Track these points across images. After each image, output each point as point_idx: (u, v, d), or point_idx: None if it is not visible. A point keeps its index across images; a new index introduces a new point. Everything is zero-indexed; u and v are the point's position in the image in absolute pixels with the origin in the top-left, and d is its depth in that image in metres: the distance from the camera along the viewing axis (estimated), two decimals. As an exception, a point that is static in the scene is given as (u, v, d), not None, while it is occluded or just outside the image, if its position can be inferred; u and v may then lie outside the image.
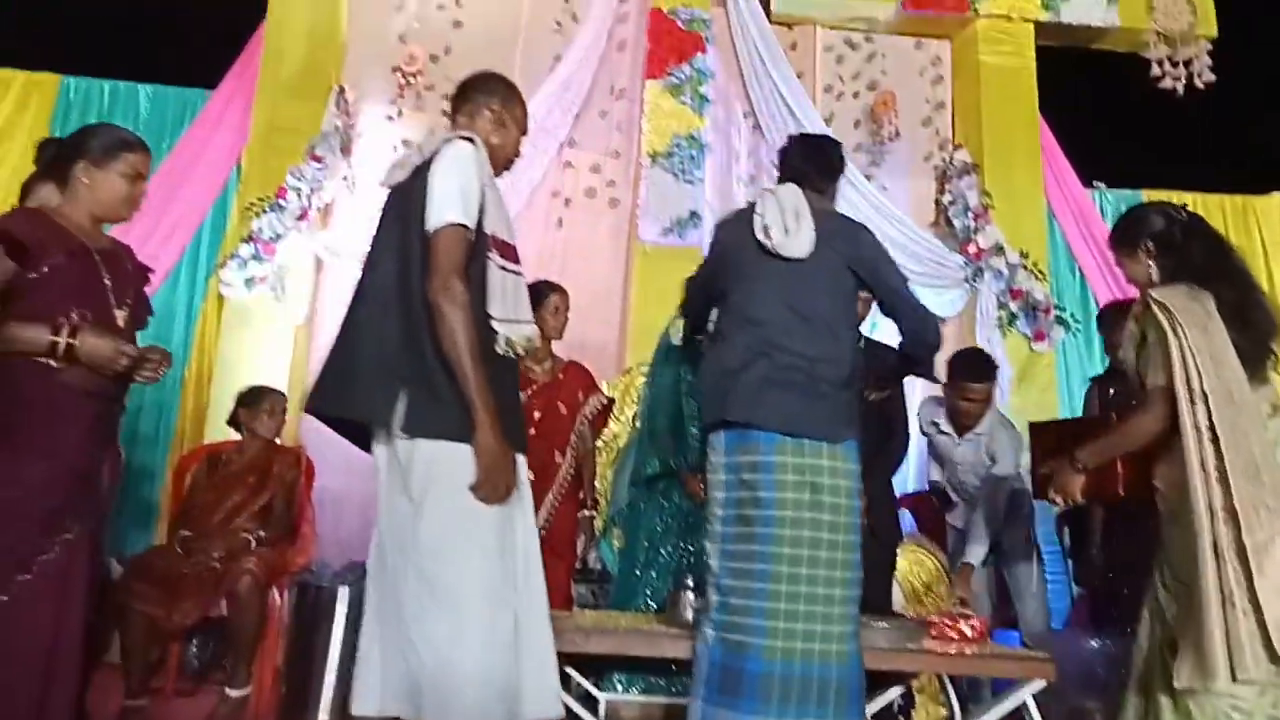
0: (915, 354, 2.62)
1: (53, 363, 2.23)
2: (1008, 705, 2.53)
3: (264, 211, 4.69)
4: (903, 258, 5.07)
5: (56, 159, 2.45)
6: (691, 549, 3.12)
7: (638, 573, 3.19)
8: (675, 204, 5.10)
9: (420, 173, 2.05)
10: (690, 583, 2.66)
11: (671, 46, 5.37)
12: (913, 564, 3.25)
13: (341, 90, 5.08)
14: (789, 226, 2.38)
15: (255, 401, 3.71)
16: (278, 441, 3.76)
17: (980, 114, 5.41)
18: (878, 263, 2.48)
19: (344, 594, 3.28)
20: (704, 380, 2.48)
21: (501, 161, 2.23)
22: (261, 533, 3.43)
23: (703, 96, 5.34)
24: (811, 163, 2.59)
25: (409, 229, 2.02)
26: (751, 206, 2.50)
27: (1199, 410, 2.15)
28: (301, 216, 4.73)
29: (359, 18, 5.33)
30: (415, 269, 1.99)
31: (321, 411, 2.09)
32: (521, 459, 2.08)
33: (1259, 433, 2.19)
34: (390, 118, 5.25)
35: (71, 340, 2.23)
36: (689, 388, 3.20)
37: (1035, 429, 2.80)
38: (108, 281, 2.37)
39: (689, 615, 2.61)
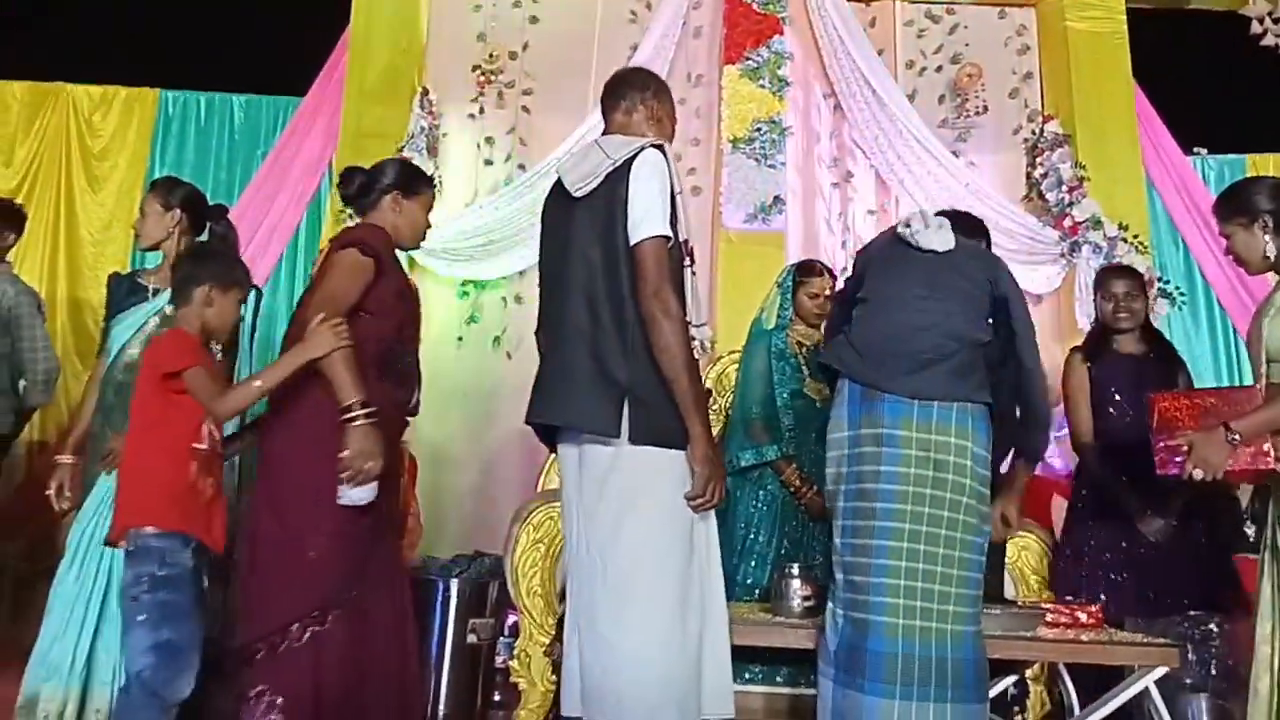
0: (1027, 419, 2.44)
1: None
2: (1129, 693, 2.48)
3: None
4: (995, 234, 4.92)
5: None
6: (787, 537, 3.11)
7: (735, 561, 3.20)
8: (758, 189, 5.06)
9: (614, 181, 2.08)
10: (795, 571, 2.66)
11: (748, 30, 5.31)
12: (1020, 549, 3.19)
13: (425, 92, 5.17)
14: (930, 223, 2.45)
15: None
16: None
17: (1070, 83, 5.23)
18: (1014, 295, 2.45)
19: (455, 586, 3.37)
20: (837, 349, 2.47)
21: None
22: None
23: (782, 79, 5.28)
24: (964, 230, 2.59)
25: (612, 238, 2.07)
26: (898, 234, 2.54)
27: None
28: (390, 218, 4.83)
29: (439, 20, 5.41)
30: (624, 278, 2.05)
31: (543, 421, 2.17)
32: None
33: None
34: (472, 116, 5.33)
35: None
36: (780, 374, 3.19)
37: (1155, 399, 2.71)
38: None
39: (796, 604, 2.61)
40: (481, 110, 5.34)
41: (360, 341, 2.26)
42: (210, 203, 2.95)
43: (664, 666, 1.96)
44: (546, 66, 5.41)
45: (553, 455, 3.82)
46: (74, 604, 2.47)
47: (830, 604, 2.34)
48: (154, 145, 5.24)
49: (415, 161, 4.92)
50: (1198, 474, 2.28)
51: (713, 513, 2.15)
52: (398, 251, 2.56)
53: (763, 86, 5.27)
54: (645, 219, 2.04)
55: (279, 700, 2.19)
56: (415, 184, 2.55)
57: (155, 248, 2.85)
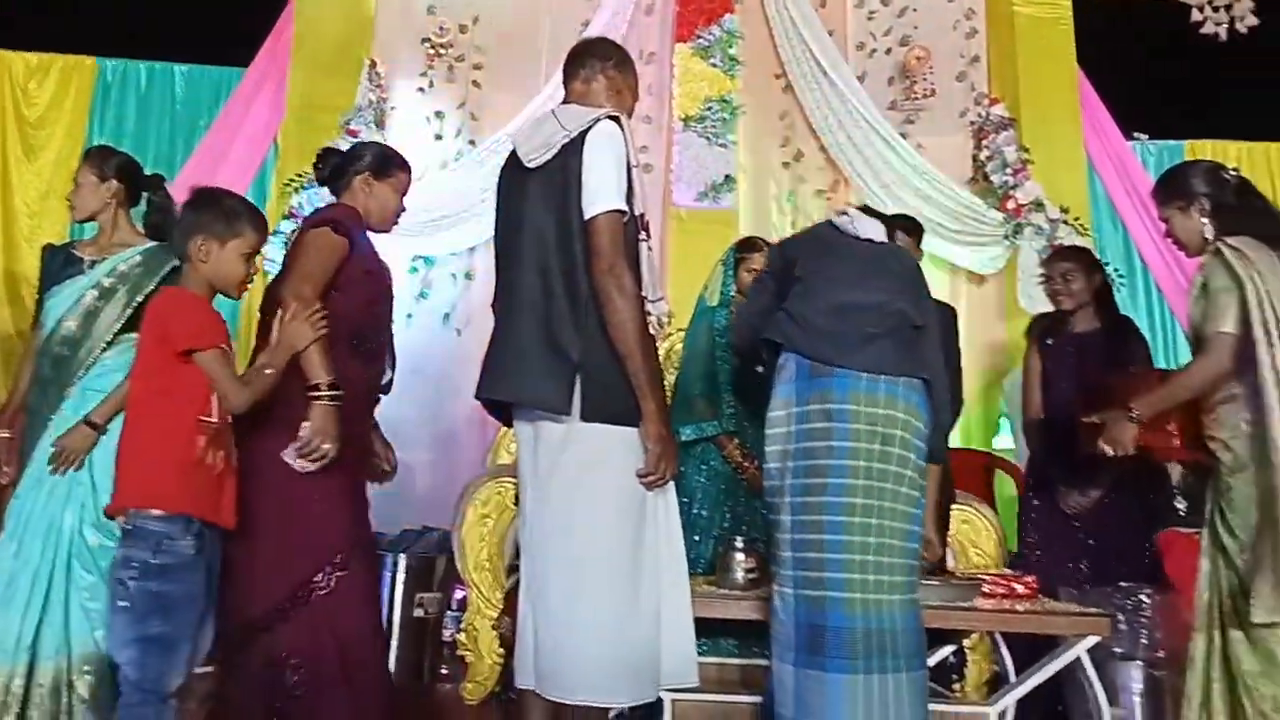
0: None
1: None
2: (1061, 661, 2.55)
3: (303, 187, 4.73)
4: (940, 216, 5.05)
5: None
6: (730, 511, 3.14)
7: (680, 534, 3.23)
8: (709, 168, 5.08)
9: (568, 152, 2.04)
10: (739, 544, 2.69)
11: (699, 8, 5.32)
12: (961, 522, 3.26)
13: (373, 64, 5.09)
14: (865, 216, 2.49)
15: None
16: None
17: (1016, 67, 5.32)
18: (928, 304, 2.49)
19: (403, 561, 3.36)
20: (779, 324, 2.45)
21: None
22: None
23: (733, 58, 5.30)
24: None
25: (565, 211, 2.04)
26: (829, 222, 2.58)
27: (1277, 353, 2.17)
28: (339, 191, 4.77)
29: (387, -9, 5.33)
30: (578, 252, 2.02)
31: (493, 397, 2.15)
32: None
33: None
34: (422, 89, 5.27)
35: None
36: (723, 351, 3.21)
37: (1085, 383, 2.80)
38: None
39: (740, 576, 2.64)
40: (431, 84, 5.28)
41: (330, 319, 2.24)
42: (149, 173, 2.88)
43: (617, 641, 1.98)
44: (497, 41, 5.35)
45: (503, 431, 3.85)
46: (16, 581, 2.42)
47: (776, 585, 2.33)
48: (92, 115, 5.09)
49: (363, 135, 4.87)
50: (1109, 451, 2.42)
51: (672, 485, 2.16)
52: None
53: (714, 65, 5.29)
54: (600, 192, 2.01)
55: (304, 663, 2.20)
56: (388, 166, 2.52)
57: (91, 219, 2.78)
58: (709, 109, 5.17)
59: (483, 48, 5.34)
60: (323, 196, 4.72)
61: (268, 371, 2.16)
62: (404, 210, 2.59)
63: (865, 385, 2.26)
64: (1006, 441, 4.78)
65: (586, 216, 2.02)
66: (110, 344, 2.61)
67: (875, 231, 2.47)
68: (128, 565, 2.02)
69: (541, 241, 2.06)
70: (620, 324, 1.99)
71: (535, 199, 2.09)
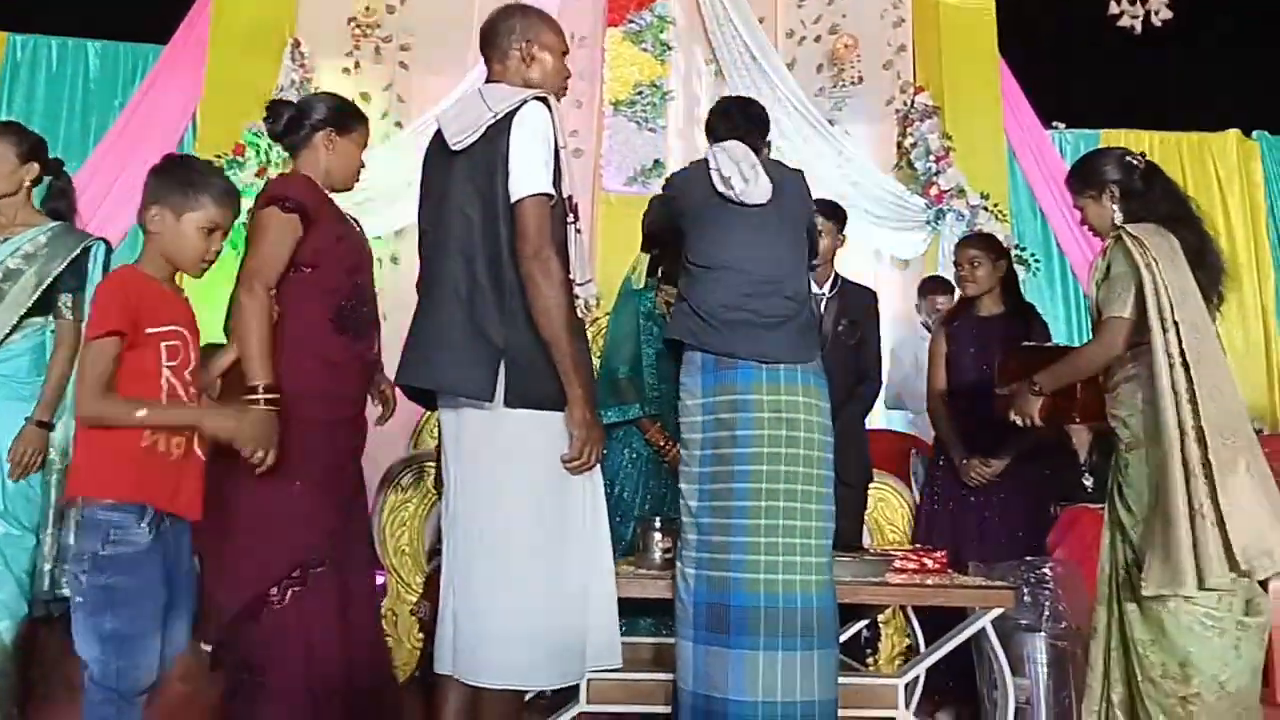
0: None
1: None
2: (967, 632, 2.62)
3: (222, 169, 4.62)
4: (866, 201, 5.13)
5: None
6: (651, 494, 3.16)
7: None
8: (639, 152, 5.10)
9: (493, 135, 2.00)
10: (657, 524, 2.71)
11: (632, -7, 5.32)
12: (877, 500, 3.33)
13: (297, 44, 5.00)
14: (747, 176, 2.40)
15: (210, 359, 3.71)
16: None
17: (941, 56, 5.43)
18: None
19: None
20: (681, 320, 2.49)
21: (552, 92, 2.14)
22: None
23: (664, 44, 5.31)
24: (751, 121, 2.61)
25: (491, 195, 1.99)
26: (704, 161, 2.52)
27: (1170, 338, 2.25)
28: (260, 173, 4.68)
29: (311, -32, 5.22)
30: (503, 237, 1.99)
31: (414, 384, 2.10)
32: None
33: (1221, 360, 2.33)
34: (347, 70, 5.18)
35: None
36: (648, 335, 3.23)
37: (1003, 355, 2.88)
38: None
39: (657, 556, 2.67)
40: (357, 65, 5.20)
41: (306, 299, 2.14)
42: (56, 155, 2.80)
43: (537, 627, 1.98)
44: (426, 22, 5.28)
45: (425, 415, 3.82)
46: None
47: (679, 565, 2.38)
48: (0, 91, 4.92)
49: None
50: (1016, 420, 2.53)
51: (598, 470, 2.16)
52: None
53: (645, 50, 5.30)
54: (526, 176, 1.98)
55: (257, 668, 2.09)
56: (349, 120, 2.34)
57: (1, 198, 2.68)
58: (639, 94, 5.18)
59: (410, 29, 5.26)
60: (242, 177, 4.65)
61: (139, 414, 1.89)
62: (364, 167, 2.42)
63: (767, 374, 2.30)
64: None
65: (513, 200, 1.99)
66: (16, 327, 2.55)
67: (761, 191, 2.40)
68: (79, 560, 1.89)
69: (467, 226, 2.03)
70: (546, 309, 1.97)
71: (461, 181, 2.05)
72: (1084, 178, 2.58)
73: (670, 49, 5.34)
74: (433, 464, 3.25)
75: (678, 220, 2.57)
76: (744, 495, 2.28)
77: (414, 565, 3.14)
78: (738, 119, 2.62)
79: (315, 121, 2.30)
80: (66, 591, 2.42)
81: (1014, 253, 5.04)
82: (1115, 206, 2.50)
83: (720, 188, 2.43)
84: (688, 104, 5.40)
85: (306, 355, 2.17)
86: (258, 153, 4.69)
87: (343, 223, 2.33)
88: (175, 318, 1.97)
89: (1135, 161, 2.54)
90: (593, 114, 5.26)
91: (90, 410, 1.87)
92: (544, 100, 2.06)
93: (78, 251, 2.59)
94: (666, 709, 2.58)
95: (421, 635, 3.07)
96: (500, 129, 2.01)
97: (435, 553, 3.28)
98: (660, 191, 2.88)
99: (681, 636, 2.33)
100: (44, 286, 2.54)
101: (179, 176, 2.01)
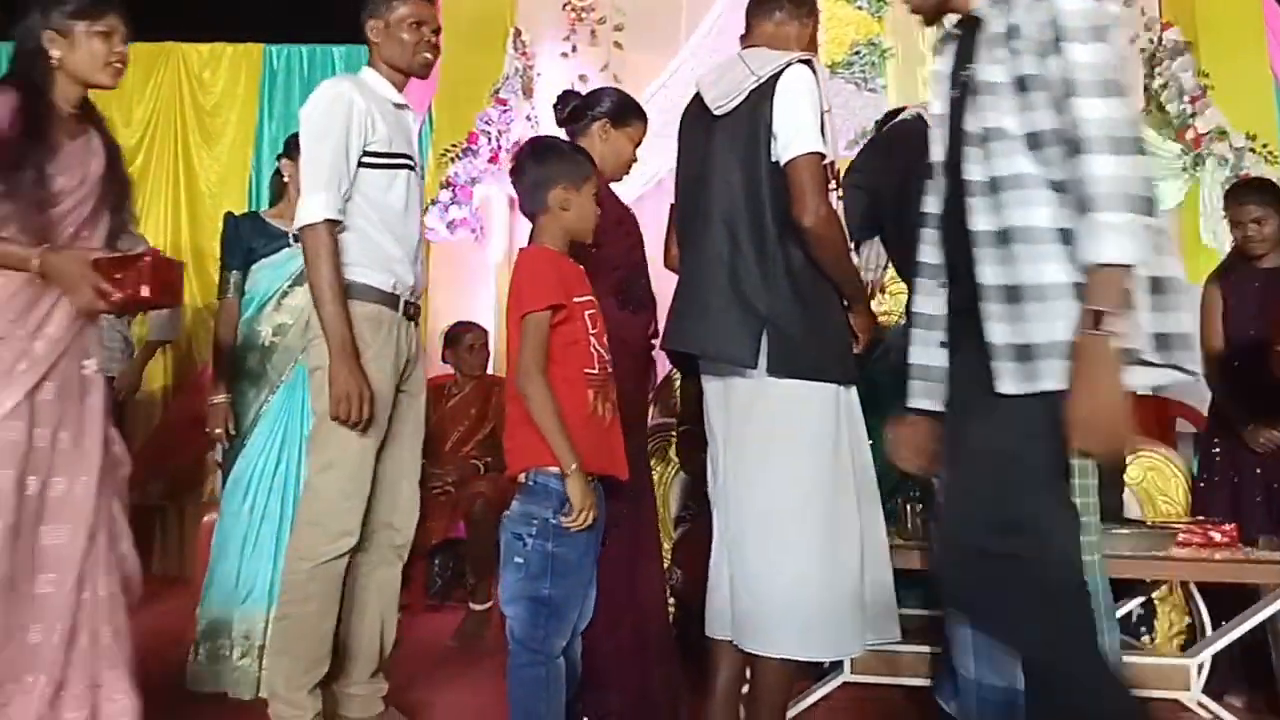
0: None
1: None
2: (1265, 613, 2.41)
3: (458, 157, 4.88)
4: (1110, 151, 4.74)
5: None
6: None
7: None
8: (859, 115, 4.94)
9: (757, 98, 2.00)
10: (916, 493, 2.64)
11: (842, -50, 5.16)
12: (1145, 469, 3.10)
13: (518, 33, 5.17)
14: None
15: (457, 339, 3.95)
16: (490, 373, 3.97)
17: (1190, -12, 4.95)
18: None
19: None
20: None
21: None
22: (489, 459, 3.65)
23: (879, -1, 5.12)
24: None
25: (753, 160, 2.00)
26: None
27: None
28: (492, 159, 4.89)
29: (528, -41, 5.38)
30: (766, 203, 1.99)
31: (679, 349, 2.16)
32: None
33: None
34: (565, 54, 5.31)
35: None
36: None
37: None
38: None
39: (914, 525, 2.60)
40: (574, 48, 5.31)
41: (593, 275, 2.20)
42: None
43: (811, 599, 1.97)
44: (637, 1, 5.34)
45: (674, 382, 3.87)
46: (253, 532, 2.67)
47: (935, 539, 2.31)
48: (261, 99, 5.38)
49: (511, 103, 4.98)
50: None
51: (868, 444, 2.14)
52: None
53: (860, 7, 5.13)
54: (798, 135, 1.96)
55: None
56: (626, 115, 2.45)
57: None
58: (856, 53, 5.03)
59: (623, 8, 5.33)
60: (476, 164, 4.88)
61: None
62: (636, 161, 2.52)
63: None
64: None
65: (784, 160, 1.97)
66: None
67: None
68: (527, 521, 1.92)
69: (729, 192, 2.04)
70: (836, 259, 2.00)
71: (721, 147, 2.05)
72: None
73: (885, 4, 5.13)
74: (674, 433, 3.31)
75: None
76: None
77: (661, 532, 3.21)
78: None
79: (596, 113, 2.43)
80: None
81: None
82: None
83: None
84: (908, 60, 5.19)
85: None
86: (489, 139, 4.90)
87: (620, 205, 2.44)
88: (586, 289, 2.07)
89: None
90: (809, 78, 5.15)
91: (536, 385, 1.91)
92: (808, 62, 2.03)
93: None
94: (927, 682, 2.53)
95: (673, 600, 3.14)
96: (764, 93, 2.00)
97: (680, 520, 3.35)
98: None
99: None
100: None
101: (564, 155, 2.12)
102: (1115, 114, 1.36)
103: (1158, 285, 1.41)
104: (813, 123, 1.97)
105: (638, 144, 2.47)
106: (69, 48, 1.92)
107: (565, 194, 2.04)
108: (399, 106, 2.36)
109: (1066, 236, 1.41)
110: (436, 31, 2.37)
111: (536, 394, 1.90)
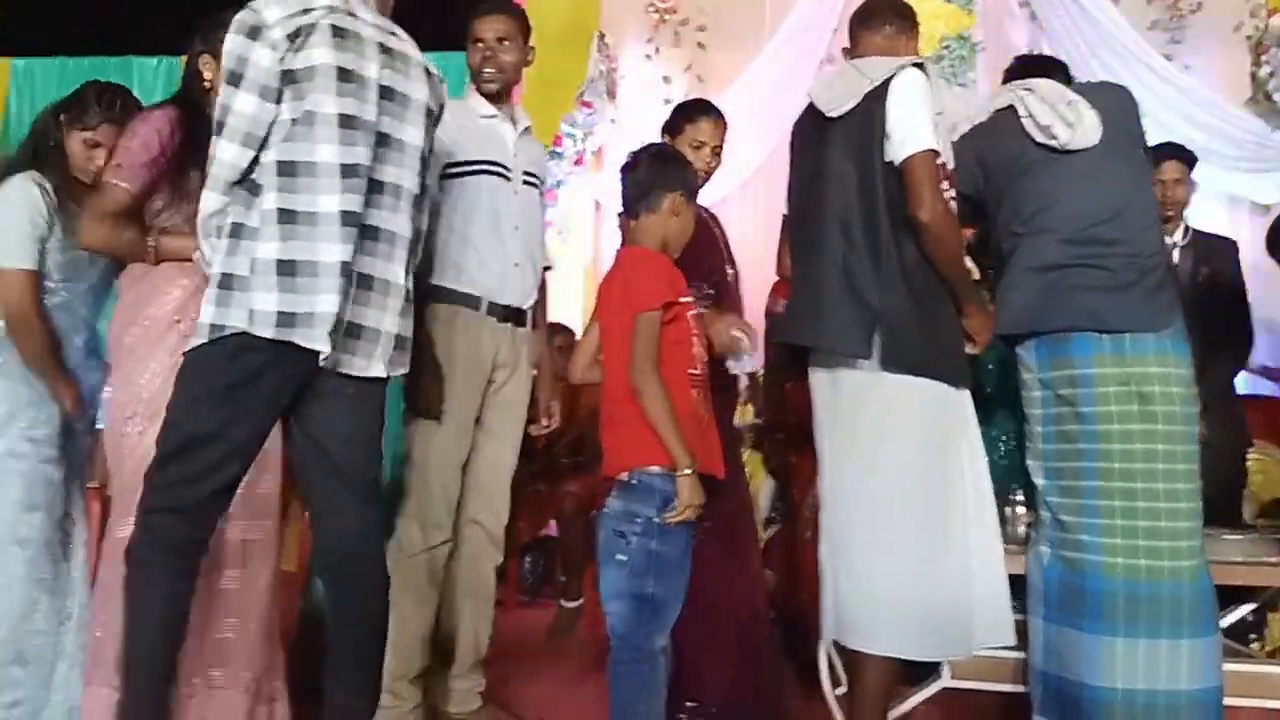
0: None
1: None
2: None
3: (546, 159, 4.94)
4: (1215, 142, 4.59)
5: None
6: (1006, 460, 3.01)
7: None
8: (949, 110, 4.85)
9: (872, 101, 2.02)
10: (1019, 496, 2.59)
11: (930, -57, 5.07)
12: (1259, 471, 2.99)
13: (602, 35, 5.23)
14: (1069, 118, 2.15)
15: (546, 341, 3.97)
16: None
17: (1300, -31, 4.73)
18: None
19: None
20: (1006, 291, 2.35)
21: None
22: (579, 459, 3.69)
23: (969, -8, 5.03)
24: (1050, 65, 2.45)
25: (867, 159, 2.02)
26: (1008, 110, 2.28)
27: None
28: (578, 161, 4.95)
29: (612, -37, 5.43)
30: (880, 200, 2.01)
31: (792, 341, 2.21)
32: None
33: None
34: (648, 56, 5.36)
35: None
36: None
37: None
38: None
39: (1020, 530, 2.54)
40: (657, 50, 5.36)
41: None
42: None
43: (917, 598, 1.96)
44: (719, 1, 5.35)
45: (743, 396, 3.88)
46: None
47: (1034, 539, 2.26)
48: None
49: (595, 105, 5.03)
50: None
51: (982, 446, 2.12)
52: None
53: (949, 1, 5.04)
54: (912, 134, 1.97)
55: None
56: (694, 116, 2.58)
57: None
58: (946, 48, 4.95)
59: (705, 9, 5.35)
60: (562, 167, 4.95)
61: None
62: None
63: (1110, 345, 2.10)
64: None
65: (900, 159, 1.98)
66: None
67: (1087, 134, 2.14)
68: (630, 519, 1.90)
69: (843, 191, 2.06)
70: (952, 255, 2.02)
71: (836, 149, 2.08)
72: None
73: (975, -4, 5.04)
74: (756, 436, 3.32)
75: (983, 186, 2.32)
76: (1094, 475, 2.11)
77: (752, 533, 3.21)
78: (1032, 68, 2.40)
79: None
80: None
81: None
82: None
83: (1039, 138, 2.19)
84: (998, 54, 5.06)
85: None
86: (574, 142, 4.96)
87: (712, 224, 2.56)
88: (688, 290, 2.06)
89: None
90: (897, 74, 5.08)
91: (653, 383, 1.91)
92: (920, 66, 2.05)
93: None
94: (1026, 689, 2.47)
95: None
96: (878, 95, 2.01)
97: (770, 520, 3.34)
98: None
99: (1032, 613, 2.22)
100: None
101: (686, 166, 2.16)
102: None
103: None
104: (927, 122, 1.98)
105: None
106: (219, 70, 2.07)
107: (681, 201, 2.06)
108: (486, 117, 2.47)
109: None
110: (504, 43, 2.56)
111: (653, 391, 1.90)
